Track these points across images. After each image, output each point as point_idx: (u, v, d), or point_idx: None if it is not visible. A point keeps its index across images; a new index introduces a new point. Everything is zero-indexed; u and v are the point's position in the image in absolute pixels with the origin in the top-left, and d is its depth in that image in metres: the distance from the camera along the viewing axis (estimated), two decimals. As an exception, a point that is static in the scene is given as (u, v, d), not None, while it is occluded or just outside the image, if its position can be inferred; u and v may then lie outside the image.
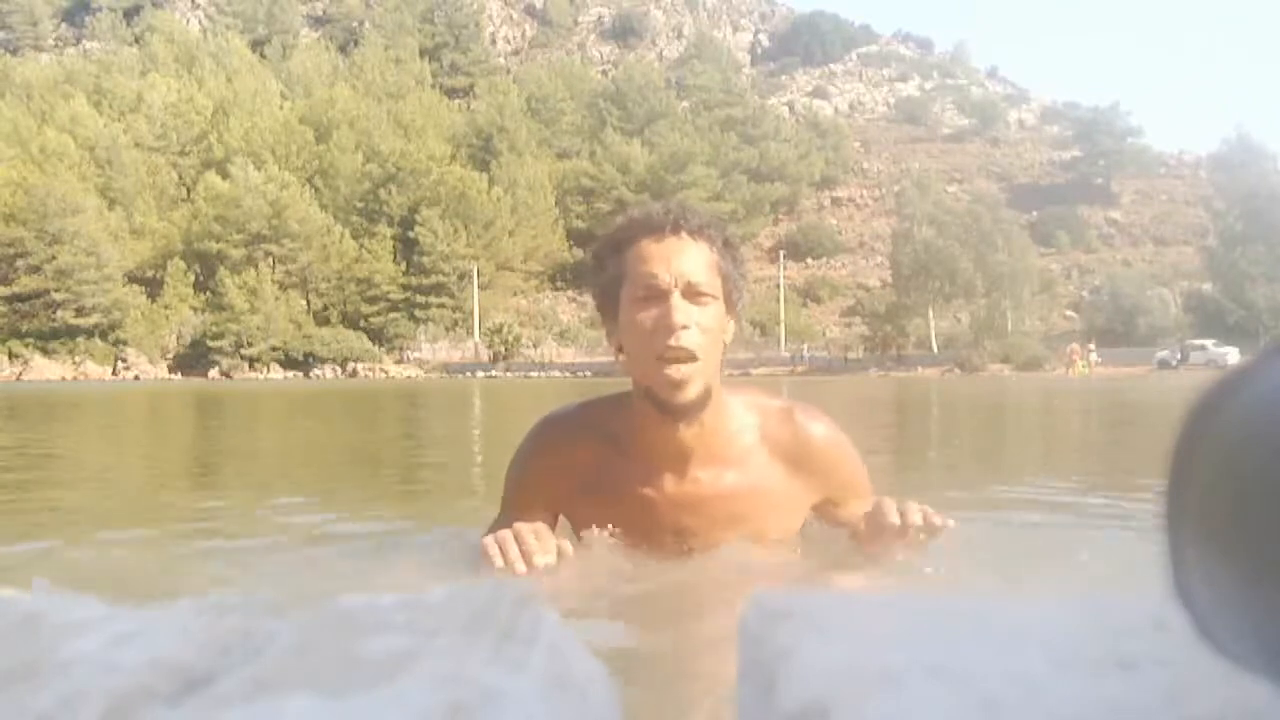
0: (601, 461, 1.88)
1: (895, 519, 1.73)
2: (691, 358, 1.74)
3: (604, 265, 1.85)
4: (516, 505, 1.93)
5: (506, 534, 1.71)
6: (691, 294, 1.76)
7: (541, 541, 1.70)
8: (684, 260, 1.77)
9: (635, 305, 1.78)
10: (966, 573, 1.81)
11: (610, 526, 1.85)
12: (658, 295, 1.76)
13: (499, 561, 1.67)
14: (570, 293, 79.13)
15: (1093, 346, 47.61)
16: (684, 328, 1.74)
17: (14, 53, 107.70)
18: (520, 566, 1.66)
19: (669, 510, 1.85)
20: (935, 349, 56.97)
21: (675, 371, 1.74)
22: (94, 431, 9.63)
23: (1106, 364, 46.41)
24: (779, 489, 1.88)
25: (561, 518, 1.96)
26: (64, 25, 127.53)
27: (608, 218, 67.93)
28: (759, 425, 1.89)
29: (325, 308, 73.82)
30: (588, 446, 1.90)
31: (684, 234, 1.79)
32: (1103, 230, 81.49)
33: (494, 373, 60.41)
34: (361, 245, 74.57)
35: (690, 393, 1.76)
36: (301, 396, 21.37)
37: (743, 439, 1.88)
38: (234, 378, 61.23)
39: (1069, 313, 66.85)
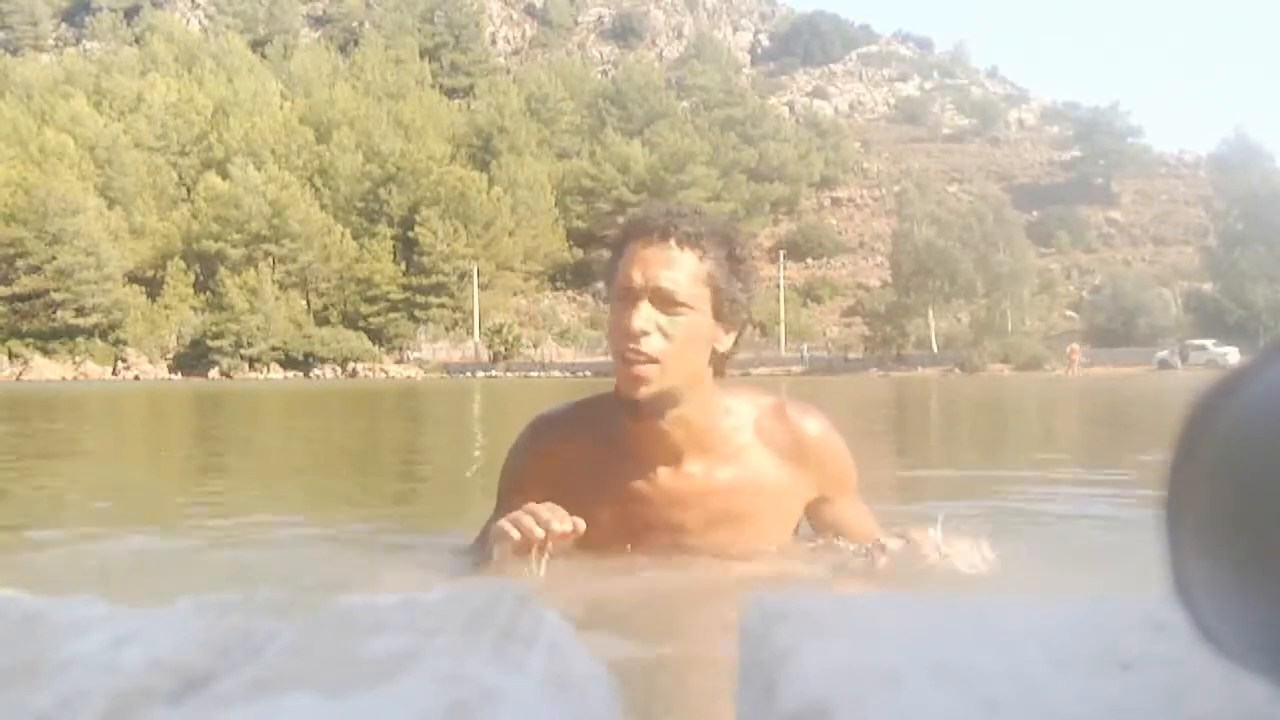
0: (595, 458, 1.89)
1: (934, 560, 1.77)
2: (650, 361, 1.77)
3: (609, 258, 1.90)
4: (511, 502, 1.94)
5: (519, 512, 1.74)
6: (662, 301, 1.78)
7: (555, 513, 1.72)
8: (663, 268, 1.79)
9: (614, 304, 1.83)
10: (968, 572, 1.81)
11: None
12: (630, 298, 1.79)
13: (515, 534, 1.70)
14: (570, 293, 79.16)
15: (1075, 346, 47.82)
16: (643, 333, 1.76)
17: (14, 53, 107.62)
18: (538, 532, 1.69)
19: (664, 506, 1.86)
20: (935, 349, 56.96)
21: (635, 369, 1.78)
22: (95, 431, 9.63)
23: (1106, 364, 46.49)
24: (774, 484, 1.89)
25: None
26: (64, 25, 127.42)
27: (608, 218, 68.09)
28: (753, 421, 1.91)
29: (325, 308, 73.79)
30: (581, 443, 1.91)
31: (673, 241, 1.80)
32: (1103, 230, 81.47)
33: (494, 373, 60.42)
34: (361, 245, 74.54)
35: (645, 391, 1.78)
36: (302, 396, 21.37)
37: (737, 436, 1.89)
38: (234, 378, 61.22)
39: (1069, 313, 66.86)
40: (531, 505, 1.74)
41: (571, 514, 1.94)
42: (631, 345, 1.77)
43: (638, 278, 1.79)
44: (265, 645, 0.36)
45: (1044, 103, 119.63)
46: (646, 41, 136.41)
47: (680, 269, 1.79)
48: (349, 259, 74.24)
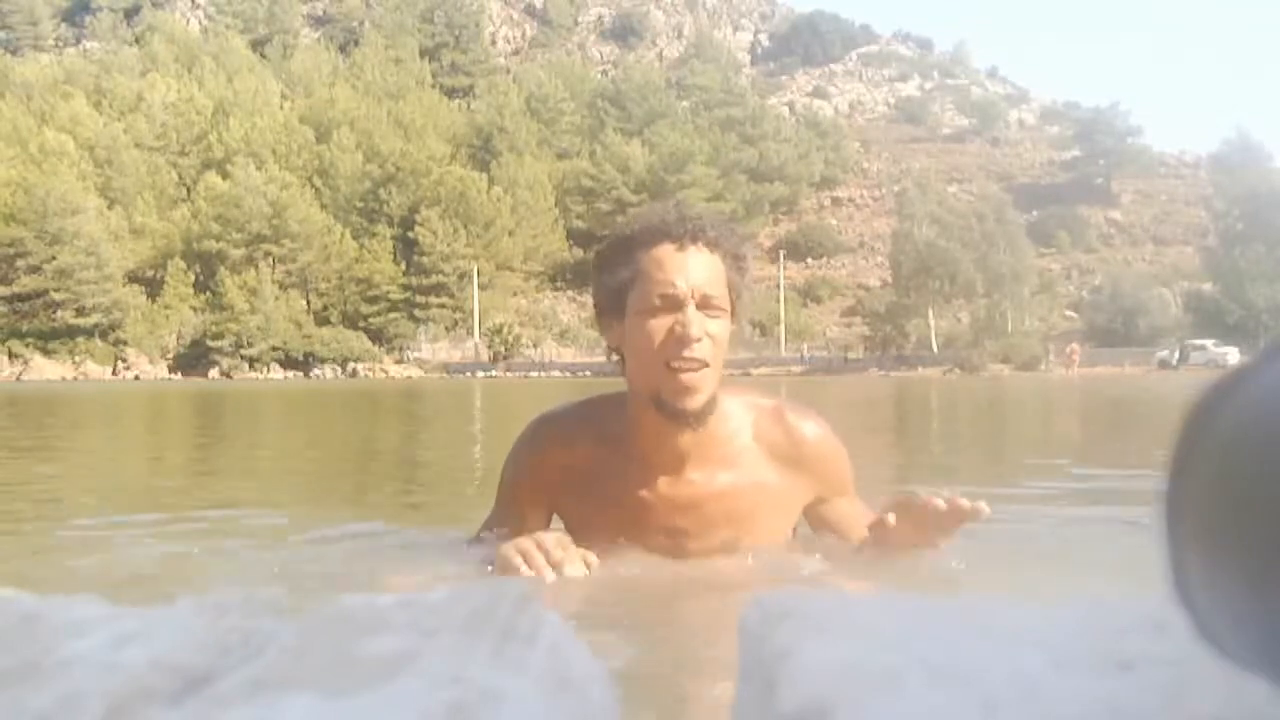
0: (597, 461, 1.87)
1: (940, 503, 1.69)
2: (703, 367, 1.75)
3: (613, 264, 1.83)
4: (511, 502, 1.93)
5: (529, 542, 1.67)
6: (705, 306, 1.77)
7: (567, 551, 1.66)
8: (701, 272, 1.77)
9: (648, 312, 1.77)
10: (971, 573, 1.81)
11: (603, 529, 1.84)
12: (673, 305, 1.76)
13: (525, 570, 1.62)
14: (570, 293, 79.08)
15: (1075, 346, 48.12)
16: (698, 340, 1.74)
17: (14, 53, 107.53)
18: (549, 575, 1.61)
19: (664, 511, 1.85)
20: (935, 349, 56.96)
21: (687, 378, 1.74)
22: (96, 431, 9.63)
23: (1106, 364, 46.68)
24: (773, 488, 1.88)
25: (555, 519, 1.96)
26: (64, 25, 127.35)
27: (608, 218, 68.06)
28: (752, 425, 1.89)
29: (325, 308, 73.77)
30: (584, 446, 1.89)
31: (702, 245, 1.79)
32: (1103, 230, 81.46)
33: (494, 373, 60.41)
34: (361, 245, 74.55)
35: (699, 399, 1.76)
36: (301, 396, 21.37)
37: (737, 440, 1.88)
38: (234, 378, 61.21)
39: (1069, 313, 66.87)
40: (541, 538, 1.67)
41: (569, 513, 1.94)
42: (687, 354, 1.74)
43: (681, 283, 1.76)
44: (265, 645, 0.36)
45: (1044, 103, 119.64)
46: (646, 41, 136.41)
47: (713, 271, 1.79)
48: (349, 259, 74.25)
